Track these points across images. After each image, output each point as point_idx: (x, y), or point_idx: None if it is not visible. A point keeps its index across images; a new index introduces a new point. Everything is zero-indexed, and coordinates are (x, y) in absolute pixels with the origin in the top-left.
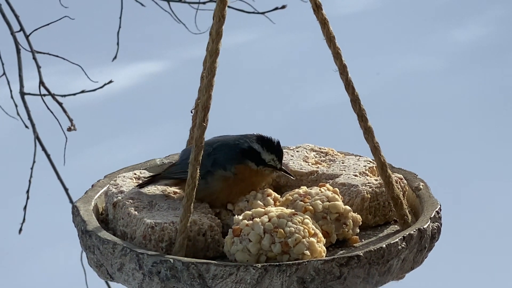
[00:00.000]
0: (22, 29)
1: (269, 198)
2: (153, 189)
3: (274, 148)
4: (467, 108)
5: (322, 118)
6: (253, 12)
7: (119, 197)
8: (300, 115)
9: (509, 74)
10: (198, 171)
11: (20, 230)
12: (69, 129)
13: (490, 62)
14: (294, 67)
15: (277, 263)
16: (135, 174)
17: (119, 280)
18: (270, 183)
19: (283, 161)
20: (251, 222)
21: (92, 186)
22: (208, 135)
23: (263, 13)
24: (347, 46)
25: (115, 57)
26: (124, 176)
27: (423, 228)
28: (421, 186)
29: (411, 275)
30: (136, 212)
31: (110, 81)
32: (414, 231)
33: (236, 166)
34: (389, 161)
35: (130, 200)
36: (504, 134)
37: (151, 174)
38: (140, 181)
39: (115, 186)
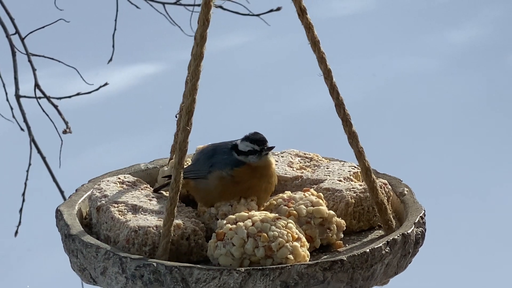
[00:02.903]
0: (17, 31)
1: (252, 202)
2: (137, 193)
3: (248, 137)
4: (462, 109)
5: (307, 124)
6: (248, 14)
7: (103, 201)
8: (286, 120)
9: (504, 75)
10: (181, 175)
11: (16, 232)
12: (64, 132)
13: (485, 63)
14: (290, 69)
15: (261, 267)
16: (119, 178)
17: (102, 284)
18: (271, 191)
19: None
20: (234, 226)
21: (76, 190)
22: (195, 139)
23: (258, 15)
24: (343, 48)
25: (110, 60)
26: (108, 181)
27: (407, 233)
28: (405, 192)
29: (395, 281)
30: (119, 216)
31: (106, 84)
32: (398, 236)
33: (234, 168)
34: (374, 167)
35: (114, 204)
36: (499, 135)
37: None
38: (125, 186)
39: (99, 191)
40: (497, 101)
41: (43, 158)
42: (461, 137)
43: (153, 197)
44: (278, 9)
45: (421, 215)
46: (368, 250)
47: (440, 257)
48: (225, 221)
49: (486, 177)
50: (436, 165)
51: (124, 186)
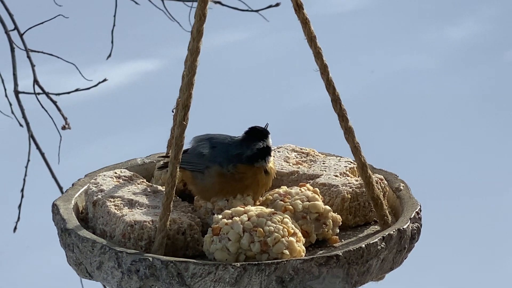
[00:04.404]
0: (16, 27)
1: (249, 197)
2: (133, 188)
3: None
4: (459, 107)
5: (304, 118)
6: (246, 10)
7: (99, 196)
8: (282, 115)
9: (502, 73)
10: (177, 169)
11: (15, 228)
12: (63, 128)
13: (484, 60)
14: (288, 64)
15: (256, 262)
16: (115, 173)
17: (98, 278)
18: (269, 186)
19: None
20: (230, 221)
21: (73, 184)
22: (192, 134)
23: (256, 11)
24: (341, 44)
25: (109, 56)
26: (104, 175)
27: (403, 228)
28: (401, 187)
29: (391, 276)
30: (115, 211)
31: (105, 80)
32: (393, 232)
33: (238, 165)
34: (371, 162)
35: (110, 199)
36: (496, 133)
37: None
38: (121, 180)
39: (95, 185)
40: (495, 98)
41: (42, 154)
42: (458, 133)
43: (149, 192)
44: (277, 5)
45: (416, 210)
46: (363, 246)
47: (435, 253)
48: (221, 216)
49: (482, 173)
50: (432, 161)
51: (121, 180)
